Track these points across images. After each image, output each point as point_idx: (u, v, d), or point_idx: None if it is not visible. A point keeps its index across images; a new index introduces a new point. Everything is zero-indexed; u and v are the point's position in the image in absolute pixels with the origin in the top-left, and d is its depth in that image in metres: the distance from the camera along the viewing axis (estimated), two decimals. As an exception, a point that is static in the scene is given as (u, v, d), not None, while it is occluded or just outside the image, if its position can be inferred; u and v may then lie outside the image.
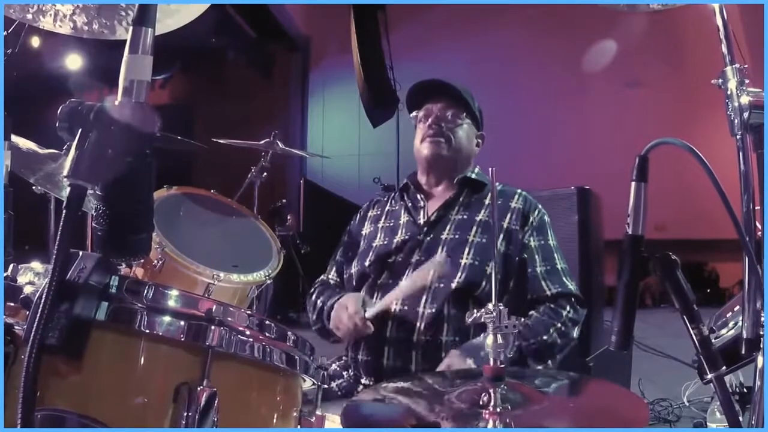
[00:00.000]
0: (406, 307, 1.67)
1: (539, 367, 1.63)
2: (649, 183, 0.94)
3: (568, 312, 1.68)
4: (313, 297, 1.91)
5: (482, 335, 1.56)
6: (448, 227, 1.78)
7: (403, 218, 1.87)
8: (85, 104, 0.78)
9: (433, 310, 1.64)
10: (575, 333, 1.69)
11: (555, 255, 1.77)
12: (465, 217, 1.79)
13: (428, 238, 1.77)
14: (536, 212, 1.80)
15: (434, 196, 1.89)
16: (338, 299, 1.76)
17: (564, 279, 1.74)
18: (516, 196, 1.82)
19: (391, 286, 1.70)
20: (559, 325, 1.65)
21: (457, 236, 1.75)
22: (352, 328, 1.65)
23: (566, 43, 8.85)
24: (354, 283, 1.84)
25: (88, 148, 0.76)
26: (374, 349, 1.69)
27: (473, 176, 1.87)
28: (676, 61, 8.88)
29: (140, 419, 0.88)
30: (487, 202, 1.82)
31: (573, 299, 1.71)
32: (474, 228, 1.75)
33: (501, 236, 1.73)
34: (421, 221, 1.83)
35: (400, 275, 1.72)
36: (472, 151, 1.90)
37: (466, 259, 1.69)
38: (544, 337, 1.62)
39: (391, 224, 1.88)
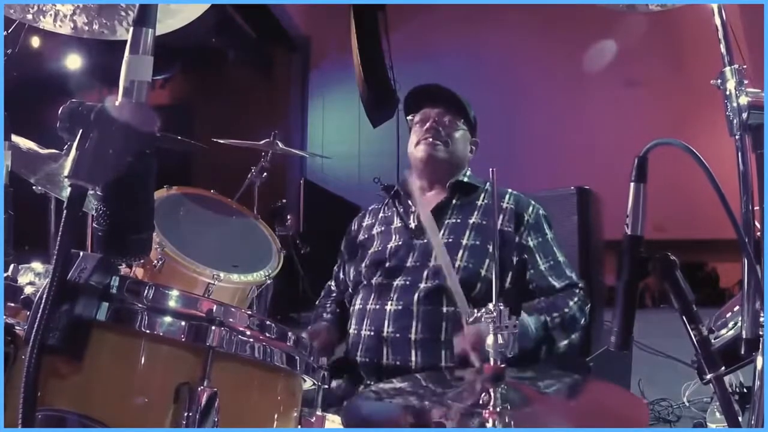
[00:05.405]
0: (400, 307, 1.68)
1: (564, 342, 1.66)
2: (649, 183, 0.94)
3: (579, 296, 1.74)
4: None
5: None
6: (441, 231, 1.78)
7: (396, 223, 1.88)
8: (85, 104, 0.78)
9: (429, 308, 1.65)
10: (586, 315, 1.75)
11: (555, 249, 1.80)
12: (458, 220, 1.80)
13: (421, 242, 1.78)
14: (530, 209, 1.81)
15: (426, 200, 1.88)
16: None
17: (567, 271, 1.78)
18: (507, 196, 1.83)
19: (386, 287, 1.72)
20: (576, 299, 1.72)
21: (450, 240, 1.75)
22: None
23: (566, 44, 8.84)
24: (350, 289, 1.87)
25: (89, 149, 0.76)
26: (372, 350, 1.70)
27: (465, 179, 1.88)
28: (676, 61, 8.88)
29: (141, 419, 0.88)
30: (479, 203, 1.83)
31: (578, 289, 1.77)
32: (467, 231, 1.77)
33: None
34: (413, 225, 1.83)
35: (394, 277, 1.73)
36: (466, 156, 1.92)
37: (460, 261, 1.71)
38: (566, 310, 1.68)
39: (384, 230, 1.90)
